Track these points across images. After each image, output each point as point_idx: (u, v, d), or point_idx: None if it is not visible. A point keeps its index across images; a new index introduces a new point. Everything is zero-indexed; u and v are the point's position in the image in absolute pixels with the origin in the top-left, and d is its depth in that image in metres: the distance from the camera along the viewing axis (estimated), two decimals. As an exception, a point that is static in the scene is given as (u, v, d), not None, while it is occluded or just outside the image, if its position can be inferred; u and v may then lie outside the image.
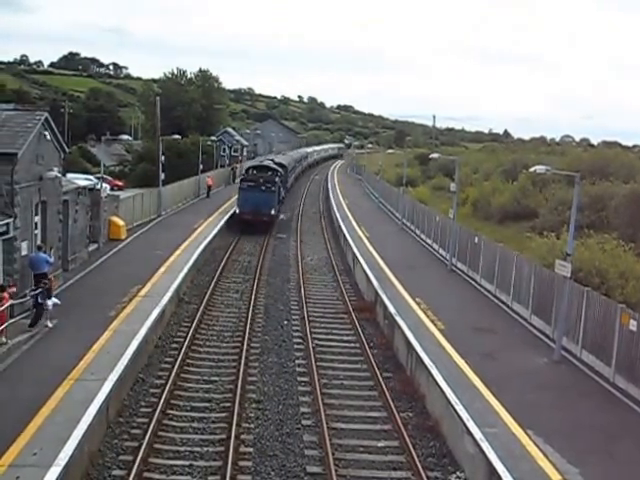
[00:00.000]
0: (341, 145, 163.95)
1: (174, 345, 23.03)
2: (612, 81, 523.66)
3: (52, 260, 24.27)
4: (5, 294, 20.30)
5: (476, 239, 32.56)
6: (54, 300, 22.25)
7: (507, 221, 52.35)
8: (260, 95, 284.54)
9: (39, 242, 24.91)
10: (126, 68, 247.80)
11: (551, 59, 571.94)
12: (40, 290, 21.71)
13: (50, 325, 21.61)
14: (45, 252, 24.05)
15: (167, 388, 18.96)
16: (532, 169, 23.20)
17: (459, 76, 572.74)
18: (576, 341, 21.40)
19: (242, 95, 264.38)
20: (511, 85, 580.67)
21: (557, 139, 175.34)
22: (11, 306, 20.60)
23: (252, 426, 17.31)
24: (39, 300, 21.61)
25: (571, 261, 20.43)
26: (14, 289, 21.56)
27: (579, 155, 62.26)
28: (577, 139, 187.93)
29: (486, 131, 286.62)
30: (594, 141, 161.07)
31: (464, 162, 63.46)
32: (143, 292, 26.08)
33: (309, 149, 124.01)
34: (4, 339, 19.57)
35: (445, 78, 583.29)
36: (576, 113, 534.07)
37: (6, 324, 19.65)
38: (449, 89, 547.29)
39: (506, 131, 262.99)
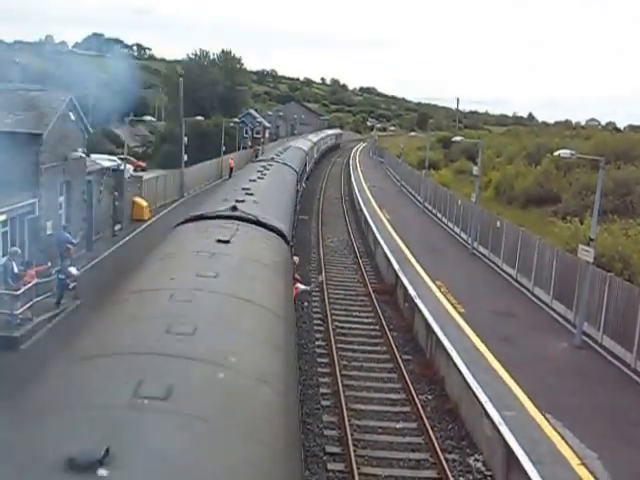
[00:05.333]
0: (339, 131, 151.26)
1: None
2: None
3: (76, 241, 24.49)
4: (32, 271, 20.60)
5: (498, 223, 32.44)
6: (74, 270, 22.46)
7: (530, 205, 51.94)
8: (283, 77, 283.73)
9: (64, 222, 25.19)
10: (150, 49, 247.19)
11: (576, 43, 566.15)
12: (60, 268, 21.99)
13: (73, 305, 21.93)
14: (69, 233, 24.29)
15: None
16: (556, 153, 23.05)
17: (483, 58, 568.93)
18: (597, 326, 21.33)
19: (265, 77, 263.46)
20: (536, 68, 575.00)
21: (582, 123, 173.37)
22: (36, 284, 20.88)
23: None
24: (59, 277, 21.91)
25: (594, 246, 20.33)
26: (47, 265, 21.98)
27: (604, 139, 61.26)
28: (603, 123, 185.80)
29: (510, 114, 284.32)
30: (620, 125, 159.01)
31: (487, 145, 62.96)
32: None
33: (305, 146, 62.77)
34: (30, 315, 19.86)
35: (469, 61, 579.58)
36: (602, 96, 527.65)
37: (32, 302, 19.93)
38: (473, 72, 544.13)
39: (531, 114, 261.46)
